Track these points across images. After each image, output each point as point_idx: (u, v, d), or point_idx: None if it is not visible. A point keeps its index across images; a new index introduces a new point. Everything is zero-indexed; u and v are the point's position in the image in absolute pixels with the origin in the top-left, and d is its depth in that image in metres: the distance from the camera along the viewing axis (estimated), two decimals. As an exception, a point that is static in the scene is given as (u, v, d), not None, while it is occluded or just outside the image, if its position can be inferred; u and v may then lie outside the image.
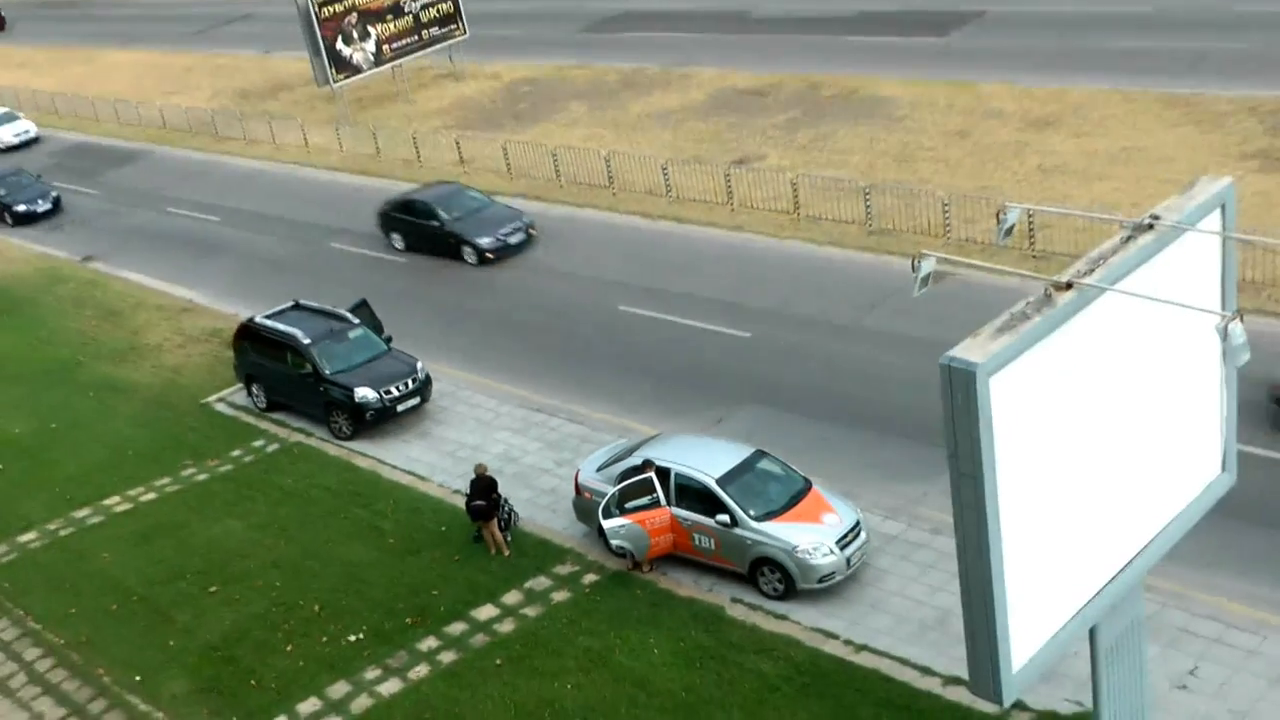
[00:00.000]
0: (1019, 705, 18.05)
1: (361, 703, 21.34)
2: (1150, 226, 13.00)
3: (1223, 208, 13.65)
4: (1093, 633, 13.94)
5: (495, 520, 24.70)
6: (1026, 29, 51.32)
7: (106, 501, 29.14)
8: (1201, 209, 13.41)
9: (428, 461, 28.60)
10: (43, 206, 52.20)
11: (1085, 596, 13.32)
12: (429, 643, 22.48)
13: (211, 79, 71.49)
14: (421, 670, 21.80)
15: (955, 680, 18.90)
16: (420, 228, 40.05)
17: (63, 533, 28.20)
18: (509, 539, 24.83)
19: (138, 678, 22.90)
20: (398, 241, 41.03)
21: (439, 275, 38.55)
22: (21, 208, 51.86)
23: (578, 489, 24.66)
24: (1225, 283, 14.02)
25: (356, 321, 31.76)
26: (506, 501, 25.04)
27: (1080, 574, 13.22)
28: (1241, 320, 11.41)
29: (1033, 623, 12.64)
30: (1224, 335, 11.41)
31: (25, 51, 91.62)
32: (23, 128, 64.74)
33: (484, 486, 24.61)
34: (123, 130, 63.18)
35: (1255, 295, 27.64)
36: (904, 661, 20.07)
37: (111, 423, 33.06)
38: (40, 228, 51.02)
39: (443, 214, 39.48)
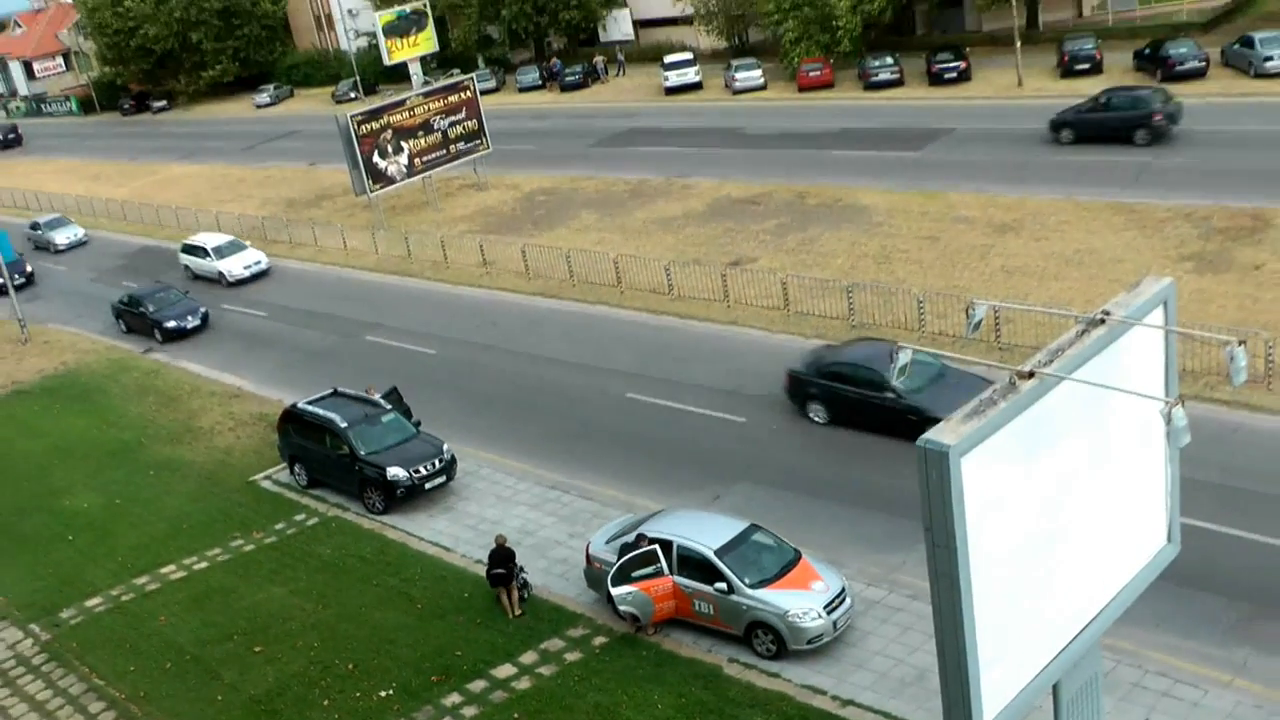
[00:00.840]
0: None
1: (392, 754, 21.21)
2: (1102, 321, 13.12)
3: (1165, 304, 13.78)
4: (1056, 688, 13.89)
5: (512, 585, 24.69)
6: (990, 145, 51.87)
7: (163, 570, 29.10)
8: (1146, 305, 13.55)
9: (452, 534, 28.52)
10: (191, 323, 47.17)
11: (1049, 655, 13.31)
12: (453, 699, 22.35)
13: (261, 189, 72.14)
14: (446, 724, 21.68)
15: (932, 733, 18.77)
16: None
17: (124, 598, 28.13)
18: (524, 601, 24.84)
19: (189, 730, 22.79)
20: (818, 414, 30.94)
21: (465, 366, 38.64)
22: (171, 323, 46.99)
23: (588, 559, 24.58)
24: (1168, 371, 14.12)
25: (389, 407, 31.82)
26: (522, 571, 25.02)
27: (1044, 634, 13.21)
28: (1183, 405, 11.50)
29: (1002, 679, 12.61)
30: (1168, 419, 11.49)
31: (98, 165, 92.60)
32: (254, 258, 53.97)
33: (503, 556, 24.61)
34: (183, 235, 63.46)
35: (1194, 383, 27.70)
36: (886, 715, 19.93)
37: (169, 498, 33.04)
38: (189, 343, 46.54)
39: None
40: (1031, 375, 12.21)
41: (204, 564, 29.11)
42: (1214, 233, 37.53)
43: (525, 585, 25.08)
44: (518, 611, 24.64)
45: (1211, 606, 21.21)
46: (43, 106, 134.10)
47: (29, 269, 59.22)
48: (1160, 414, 11.67)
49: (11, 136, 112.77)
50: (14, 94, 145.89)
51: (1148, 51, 59.04)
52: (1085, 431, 12.91)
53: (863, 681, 20.90)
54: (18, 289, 53.63)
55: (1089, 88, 58.13)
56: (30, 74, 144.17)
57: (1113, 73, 60.26)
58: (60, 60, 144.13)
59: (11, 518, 33.51)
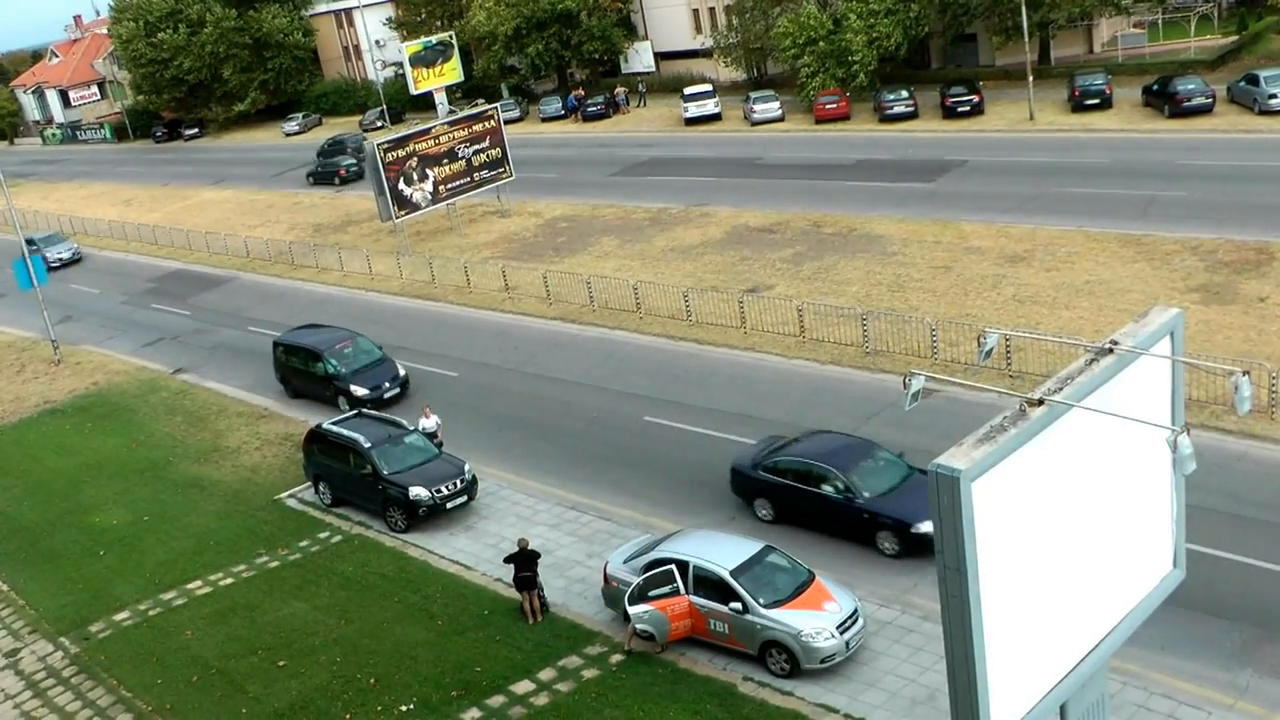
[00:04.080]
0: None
1: (412, 767, 21.25)
2: (1110, 350, 13.18)
3: (1172, 334, 13.84)
4: (1063, 708, 13.91)
5: (536, 591, 24.81)
6: (1002, 176, 51.92)
7: (190, 585, 29.24)
8: (1154, 335, 13.61)
9: (472, 552, 28.58)
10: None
11: (1057, 676, 13.33)
12: (472, 714, 22.38)
13: (289, 214, 72.54)
14: (466, 738, 21.74)
15: (942, 753, 18.74)
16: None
17: (151, 612, 28.28)
18: (544, 608, 25.00)
19: (214, 742, 22.90)
20: None
21: (487, 388, 38.79)
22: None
23: (606, 578, 24.63)
24: (1174, 400, 14.16)
25: (411, 428, 31.97)
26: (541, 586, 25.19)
27: (1052, 656, 13.24)
28: (1189, 434, 11.55)
29: (1011, 699, 12.63)
30: (1174, 447, 11.53)
31: (131, 189, 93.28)
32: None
33: (526, 558, 24.73)
34: (212, 259, 64.00)
35: (1200, 412, 27.66)
36: (896, 735, 19.94)
37: (196, 516, 33.19)
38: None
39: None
40: (1041, 403, 12.29)
41: (229, 580, 29.23)
42: (1220, 265, 37.51)
43: (544, 602, 25.25)
44: (539, 618, 24.78)
45: (1216, 630, 21.17)
46: (78, 133, 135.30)
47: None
48: (1167, 442, 11.71)
49: None
50: (50, 121, 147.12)
51: (1156, 87, 59.17)
52: (1093, 458, 12.95)
53: (874, 700, 20.89)
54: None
55: (1100, 122, 58.43)
56: (66, 102, 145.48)
57: (1122, 107, 60.39)
58: (95, 89, 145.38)
59: (43, 533, 33.74)
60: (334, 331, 41.60)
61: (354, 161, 77.14)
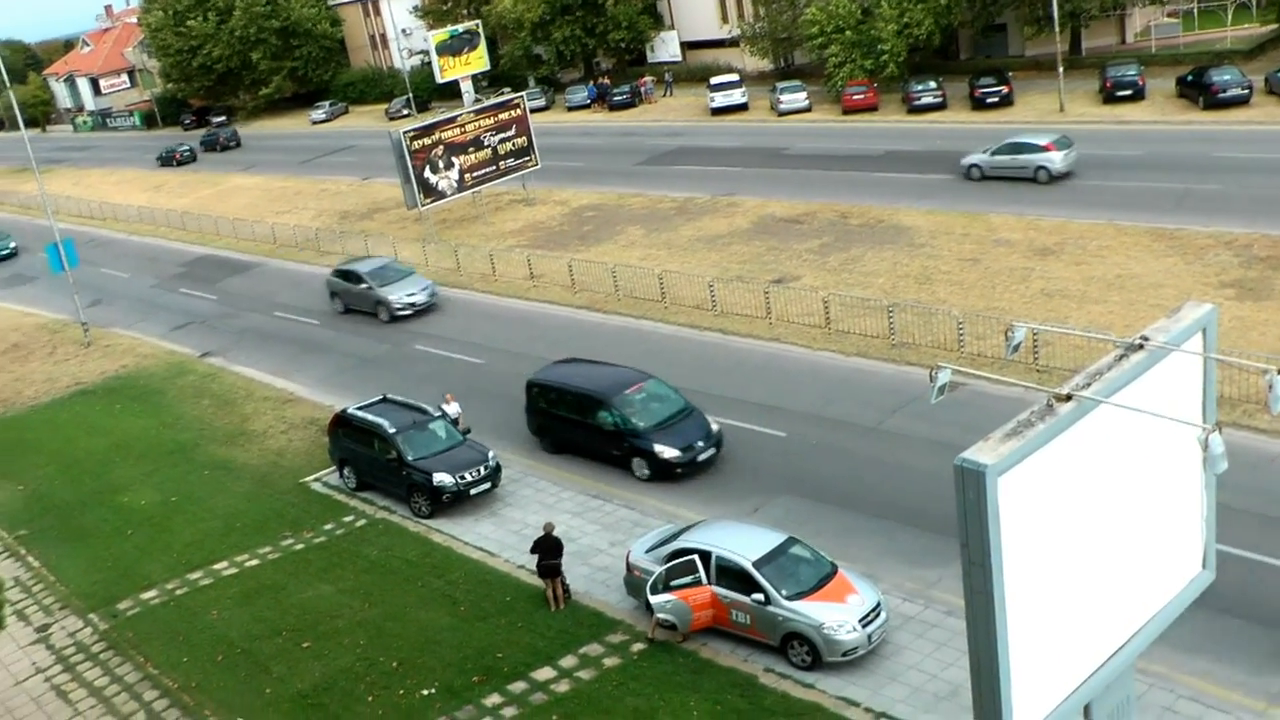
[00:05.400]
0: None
1: (434, 752, 21.32)
2: (1141, 346, 13.03)
3: (1204, 330, 13.66)
4: (1087, 709, 13.78)
5: (560, 579, 24.91)
6: (1032, 169, 51.53)
7: (216, 566, 29.41)
8: (1186, 331, 13.44)
9: (496, 539, 28.64)
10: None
11: (1082, 675, 13.21)
12: (493, 699, 22.44)
13: (316, 201, 72.79)
14: (487, 724, 21.78)
15: (964, 747, 18.68)
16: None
17: (178, 592, 28.46)
18: (567, 596, 25.12)
19: (239, 719, 23.03)
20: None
21: (512, 376, 38.76)
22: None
23: (629, 567, 24.63)
24: (1206, 398, 13.99)
25: (437, 414, 32.02)
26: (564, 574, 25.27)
27: (1077, 655, 13.11)
28: (1220, 432, 11.41)
29: (1034, 698, 12.52)
30: (1205, 445, 11.39)
31: (160, 176, 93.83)
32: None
33: (550, 545, 24.84)
34: (240, 244, 64.25)
35: (1232, 410, 27.39)
36: (918, 729, 19.88)
37: (222, 497, 33.36)
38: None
39: None
40: (1069, 398, 12.15)
41: (255, 561, 29.38)
42: (1255, 260, 37.16)
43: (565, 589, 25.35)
44: (561, 605, 24.83)
45: (1246, 634, 20.92)
46: (108, 121, 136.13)
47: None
48: (1198, 440, 11.57)
49: None
50: (81, 109, 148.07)
51: (1190, 78, 58.58)
52: (1122, 455, 12.81)
53: (896, 695, 20.82)
54: None
55: (1132, 114, 57.95)
56: (97, 90, 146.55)
57: (1155, 98, 59.90)
58: (125, 77, 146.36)
59: (74, 511, 34.01)
60: (619, 371, 32.56)
61: (189, 148, 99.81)
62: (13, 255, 71.29)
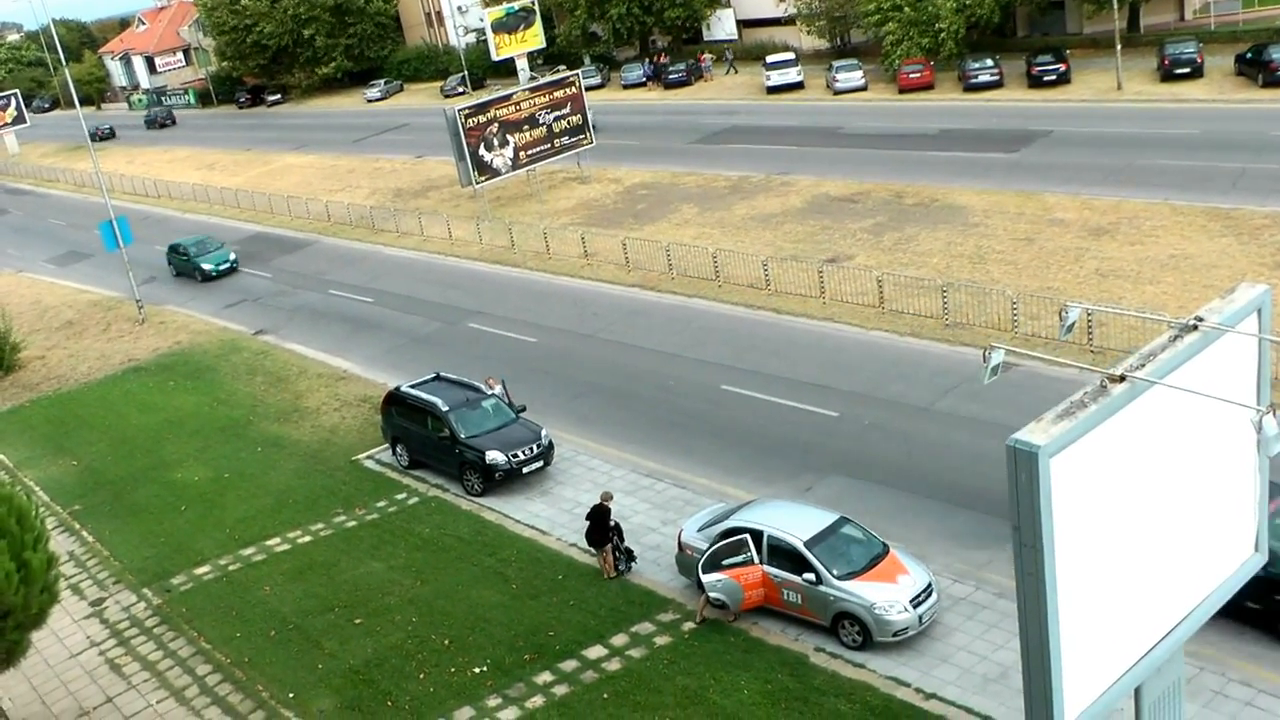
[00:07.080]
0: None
1: (484, 727, 21.55)
2: (1195, 327, 12.98)
3: (1259, 312, 13.58)
4: (1138, 691, 13.79)
5: (607, 550, 25.23)
6: (1087, 147, 51.09)
7: (269, 542, 29.76)
8: (1240, 312, 13.37)
9: (548, 517, 28.82)
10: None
11: (1132, 658, 13.21)
12: (544, 677, 22.62)
13: (370, 179, 73.27)
14: (537, 701, 21.92)
15: (1014, 729, 18.66)
16: None
17: (231, 567, 28.84)
18: (624, 567, 25.45)
19: (291, 694, 23.34)
20: None
21: (565, 354, 38.98)
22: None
23: (680, 546, 24.73)
24: (1260, 379, 13.91)
25: (490, 392, 32.23)
26: (623, 543, 25.64)
27: (1128, 638, 13.11)
28: (1275, 414, 11.35)
29: (1085, 680, 12.54)
30: (1259, 428, 11.35)
31: (214, 154, 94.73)
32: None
33: (601, 516, 25.15)
34: (293, 222, 64.86)
35: (1289, 392, 27.10)
36: (968, 710, 19.81)
37: (275, 474, 33.76)
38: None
39: None
40: (1123, 379, 12.13)
41: (307, 538, 29.71)
42: (1315, 241, 36.69)
43: (630, 556, 25.63)
44: (612, 574, 25.15)
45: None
46: (162, 99, 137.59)
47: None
48: (1251, 422, 11.53)
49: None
50: (136, 87, 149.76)
51: (1249, 56, 57.73)
52: (1175, 436, 12.77)
53: (946, 676, 20.83)
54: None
55: (1190, 92, 57.18)
56: (152, 68, 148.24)
57: (1213, 76, 59.06)
58: (180, 55, 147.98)
59: (127, 487, 34.51)
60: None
61: (110, 127, 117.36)
62: (233, 268, 57.94)
